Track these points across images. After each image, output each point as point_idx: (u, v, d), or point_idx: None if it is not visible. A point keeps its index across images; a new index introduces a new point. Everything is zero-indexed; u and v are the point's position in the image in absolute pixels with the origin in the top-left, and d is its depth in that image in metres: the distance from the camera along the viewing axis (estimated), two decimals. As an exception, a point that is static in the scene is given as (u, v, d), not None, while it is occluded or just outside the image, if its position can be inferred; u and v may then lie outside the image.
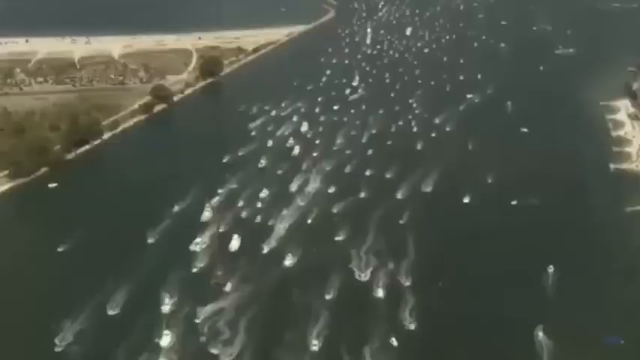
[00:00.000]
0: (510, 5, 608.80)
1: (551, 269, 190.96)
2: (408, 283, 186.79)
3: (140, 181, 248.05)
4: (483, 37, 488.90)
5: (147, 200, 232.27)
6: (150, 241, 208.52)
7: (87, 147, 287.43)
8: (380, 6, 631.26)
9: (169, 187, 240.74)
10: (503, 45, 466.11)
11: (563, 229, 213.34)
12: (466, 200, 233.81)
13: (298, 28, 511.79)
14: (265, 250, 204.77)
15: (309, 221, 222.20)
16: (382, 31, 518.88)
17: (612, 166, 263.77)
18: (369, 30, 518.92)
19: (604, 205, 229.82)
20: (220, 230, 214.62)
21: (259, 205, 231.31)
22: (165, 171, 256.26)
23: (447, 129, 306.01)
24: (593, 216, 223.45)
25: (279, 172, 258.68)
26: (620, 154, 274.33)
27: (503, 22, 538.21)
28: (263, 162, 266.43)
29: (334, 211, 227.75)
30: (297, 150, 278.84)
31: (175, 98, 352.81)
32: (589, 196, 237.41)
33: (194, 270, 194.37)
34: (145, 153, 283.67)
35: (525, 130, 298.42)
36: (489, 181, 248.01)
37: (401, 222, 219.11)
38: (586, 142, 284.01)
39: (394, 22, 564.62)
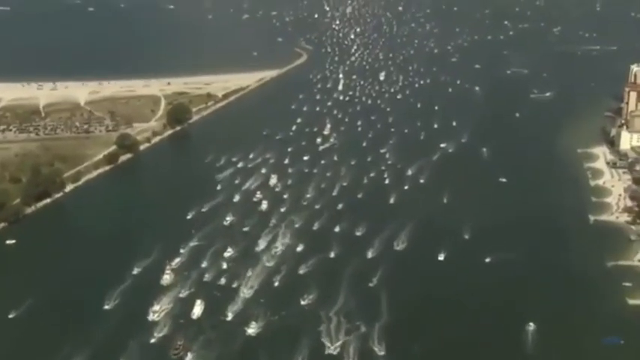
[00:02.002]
0: (484, 48, 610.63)
1: (530, 327, 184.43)
2: (382, 352, 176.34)
3: (101, 239, 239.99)
4: (458, 82, 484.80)
5: (106, 260, 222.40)
6: (107, 307, 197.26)
7: (48, 200, 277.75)
8: (353, 50, 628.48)
9: (130, 246, 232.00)
10: (477, 89, 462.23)
11: (542, 285, 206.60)
12: (441, 258, 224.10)
13: (270, 73, 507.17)
14: (230, 316, 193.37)
15: (276, 283, 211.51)
16: (354, 76, 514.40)
17: (592, 217, 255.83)
18: (341, 75, 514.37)
19: (584, 260, 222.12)
20: (181, 295, 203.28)
21: (224, 265, 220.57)
22: (127, 228, 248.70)
23: (421, 181, 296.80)
24: (574, 271, 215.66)
25: (246, 229, 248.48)
26: (600, 205, 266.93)
27: (477, 66, 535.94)
28: (229, 218, 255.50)
29: (302, 272, 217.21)
30: (264, 205, 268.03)
31: (142, 147, 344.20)
32: (569, 250, 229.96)
33: (152, 340, 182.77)
34: (108, 208, 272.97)
35: (504, 180, 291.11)
36: (466, 236, 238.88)
37: (370, 285, 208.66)
38: (565, 192, 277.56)
39: (367, 66, 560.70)
